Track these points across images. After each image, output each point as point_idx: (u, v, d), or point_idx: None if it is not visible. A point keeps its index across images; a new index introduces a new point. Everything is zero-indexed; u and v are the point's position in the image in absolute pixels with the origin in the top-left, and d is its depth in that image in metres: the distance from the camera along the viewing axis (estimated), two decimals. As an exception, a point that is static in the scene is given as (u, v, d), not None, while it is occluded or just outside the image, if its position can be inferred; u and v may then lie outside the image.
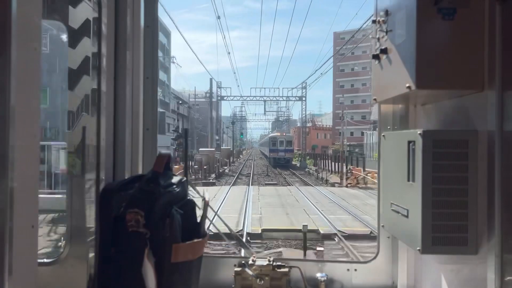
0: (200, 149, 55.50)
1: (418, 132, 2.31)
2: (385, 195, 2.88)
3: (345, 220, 19.08)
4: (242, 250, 3.64)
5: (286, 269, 3.14)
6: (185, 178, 2.53)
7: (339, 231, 16.35)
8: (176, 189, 2.38)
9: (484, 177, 2.18)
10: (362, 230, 16.75)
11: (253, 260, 3.18)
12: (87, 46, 2.74)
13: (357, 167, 43.22)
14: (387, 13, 2.67)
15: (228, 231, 3.82)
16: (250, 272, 3.10)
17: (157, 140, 3.18)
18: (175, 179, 2.43)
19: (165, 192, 2.31)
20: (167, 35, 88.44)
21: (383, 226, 2.97)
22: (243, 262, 3.19)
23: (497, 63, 2.08)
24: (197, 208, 2.52)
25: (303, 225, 13.72)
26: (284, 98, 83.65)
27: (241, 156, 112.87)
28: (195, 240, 2.37)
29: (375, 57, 2.81)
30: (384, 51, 2.66)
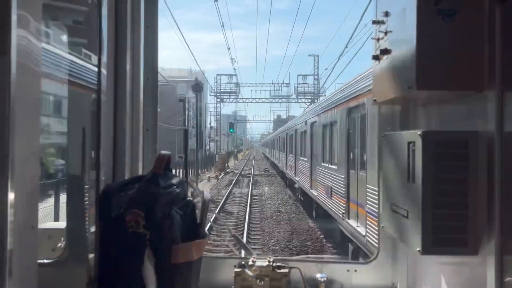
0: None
1: (418, 133, 2.31)
2: (385, 196, 2.88)
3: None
4: (242, 251, 3.63)
5: (286, 270, 3.14)
6: (185, 179, 2.54)
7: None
8: (176, 189, 2.38)
9: (484, 177, 2.18)
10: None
11: (253, 261, 3.18)
12: (87, 46, 2.74)
13: None
14: (387, 14, 2.67)
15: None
16: (250, 273, 3.10)
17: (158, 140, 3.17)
18: (175, 180, 2.43)
19: (165, 193, 2.31)
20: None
21: (383, 227, 2.97)
22: (243, 263, 3.18)
23: (497, 63, 2.08)
24: (197, 209, 2.52)
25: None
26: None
27: (230, 165, 58.23)
28: (195, 241, 2.37)
29: (375, 57, 2.81)
30: (384, 51, 2.66)
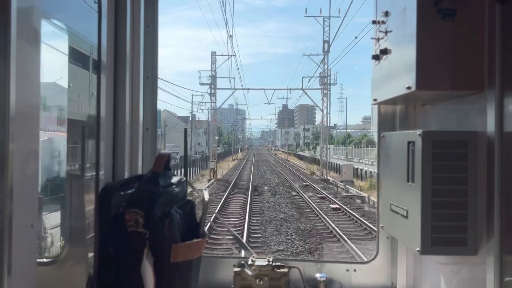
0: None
1: (418, 133, 2.32)
2: (385, 195, 2.88)
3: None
4: (242, 250, 3.64)
5: (285, 269, 3.14)
6: (184, 178, 2.54)
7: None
8: (175, 189, 2.38)
9: (484, 177, 2.18)
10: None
11: (252, 260, 3.18)
12: (87, 46, 2.74)
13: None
14: (387, 14, 2.67)
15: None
16: (249, 272, 3.10)
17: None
18: (174, 179, 2.43)
19: (165, 192, 2.31)
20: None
21: (382, 226, 2.97)
22: (242, 262, 3.18)
23: (497, 63, 2.08)
24: (196, 208, 2.52)
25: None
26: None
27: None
28: (195, 240, 2.37)
29: (375, 57, 2.81)
30: (384, 51, 2.66)
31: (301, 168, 64.23)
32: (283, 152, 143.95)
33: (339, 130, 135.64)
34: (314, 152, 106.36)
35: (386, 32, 2.67)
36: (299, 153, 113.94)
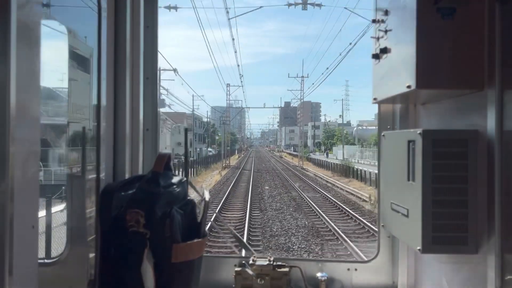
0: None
1: (418, 132, 2.32)
2: (385, 194, 2.88)
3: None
4: (243, 250, 3.64)
5: (286, 269, 3.15)
6: (185, 178, 2.54)
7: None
8: (176, 189, 2.38)
9: (484, 176, 2.18)
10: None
11: (253, 260, 3.18)
12: (87, 47, 2.74)
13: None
14: (386, 12, 2.67)
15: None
16: (250, 272, 3.10)
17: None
18: (175, 179, 2.43)
19: (165, 192, 2.31)
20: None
21: (383, 225, 2.97)
22: (243, 262, 3.19)
23: (497, 62, 2.08)
24: (197, 208, 2.53)
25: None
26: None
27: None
28: (195, 240, 2.38)
29: (375, 56, 2.81)
30: (384, 50, 2.66)
31: (345, 190, 32.08)
32: (290, 154, 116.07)
33: (360, 128, 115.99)
34: (327, 155, 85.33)
35: (386, 31, 2.67)
36: (312, 156, 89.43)
